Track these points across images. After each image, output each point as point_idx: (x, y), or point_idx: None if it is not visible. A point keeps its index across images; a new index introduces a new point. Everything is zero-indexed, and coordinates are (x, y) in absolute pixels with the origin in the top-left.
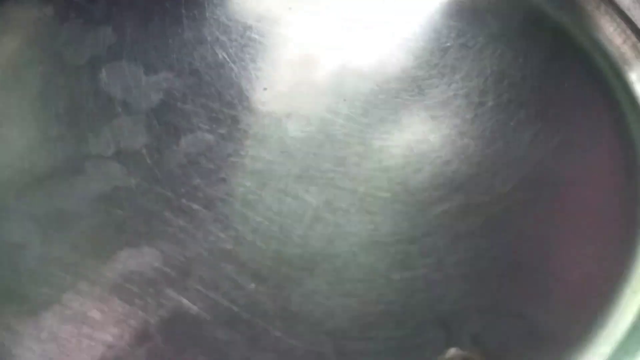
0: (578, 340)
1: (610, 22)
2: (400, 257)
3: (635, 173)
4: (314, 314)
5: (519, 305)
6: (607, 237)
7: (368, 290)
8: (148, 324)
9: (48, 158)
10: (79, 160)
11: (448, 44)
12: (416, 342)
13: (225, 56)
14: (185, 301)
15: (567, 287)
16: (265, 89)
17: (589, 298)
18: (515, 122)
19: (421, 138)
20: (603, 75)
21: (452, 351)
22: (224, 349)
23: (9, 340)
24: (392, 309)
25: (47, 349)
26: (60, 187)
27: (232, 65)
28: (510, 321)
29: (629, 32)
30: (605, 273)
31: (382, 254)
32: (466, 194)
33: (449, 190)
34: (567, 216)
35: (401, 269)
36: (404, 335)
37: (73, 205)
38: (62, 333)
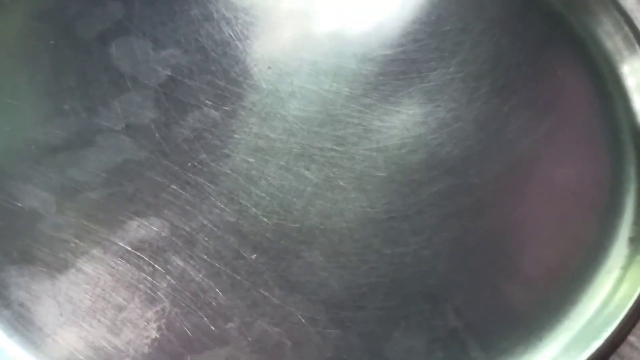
0: (551, 315)
1: (608, 15)
2: (393, 233)
3: (619, 162)
4: (310, 284)
5: (500, 282)
6: (586, 221)
7: (361, 264)
8: (156, 289)
9: (61, 130)
10: (90, 133)
11: (448, 28)
12: (403, 313)
13: (231, 34)
14: (190, 269)
15: (545, 266)
16: (269, 67)
17: (565, 277)
18: (508, 107)
19: (418, 120)
20: (596, 65)
21: None
22: (226, 313)
23: (28, 300)
24: (382, 281)
25: (64, 309)
26: (73, 159)
27: (238, 43)
28: (490, 296)
29: (626, 28)
30: (582, 254)
31: (376, 230)
32: (458, 176)
33: (442, 171)
34: (550, 199)
35: (393, 244)
36: (393, 306)
37: (85, 177)
38: (76, 295)
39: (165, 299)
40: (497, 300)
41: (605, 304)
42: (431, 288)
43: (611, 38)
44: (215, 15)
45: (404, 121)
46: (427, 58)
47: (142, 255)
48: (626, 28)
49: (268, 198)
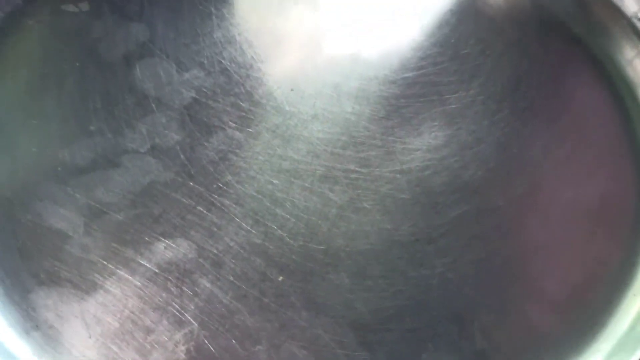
0: (579, 337)
1: (626, 39)
2: (418, 255)
3: None
4: (337, 306)
5: (526, 303)
6: (611, 243)
7: (387, 286)
8: (184, 311)
9: (87, 151)
10: (116, 154)
11: (467, 51)
12: (431, 335)
13: (254, 56)
14: (218, 291)
15: (570, 287)
16: (292, 90)
17: (592, 300)
18: (530, 129)
19: (440, 142)
20: (616, 87)
21: None
22: (254, 335)
23: (56, 322)
24: (409, 303)
25: (92, 330)
26: (99, 180)
27: (260, 65)
28: (517, 318)
29: None
30: (608, 276)
31: (401, 253)
32: (481, 198)
33: (465, 193)
34: (573, 221)
35: (418, 266)
36: (420, 328)
37: (112, 198)
38: (105, 316)
39: (193, 322)
40: (523, 321)
41: (634, 326)
42: (457, 310)
43: (630, 62)
44: (238, 38)
45: (426, 143)
46: (447, 81)
47: (169, 277)
48: None
49: (293, 220)
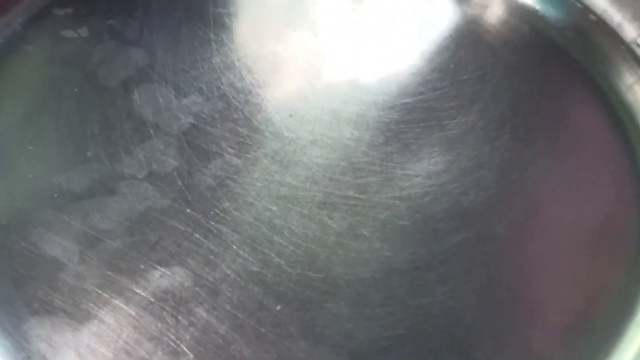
0: None
1: (625, 65)
2: (418, 283)
3: None
4: (336, 336)
5: (529, 332)
6: (614, 268)
7: (387, 315)
8: (180, 341)
9: (84, 177)
10: (113, 180)
11: (466, 77)
12: None
13: (252, 82)
14: (214, 320)
15: (573, 315)
16: (290, 115)
17: (596, 328)
18: (530, 154)
19: (440, 168)
20: (615, 112)
21: None
22: None
23: (49, 353)
24: (409, 333)
25: None
26: (95, 207)
27: (259, 90)
28: (520, 347)
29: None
30: (612, 303)
31: (401, 281)
32: (482, 224)
33: (466, 220)
34: (575, 247)
35: (419, 295)
36: (421, 358)
37: (108, 225)
38: (98, 347)
39: (189, 352)
40: (526, 349)
41: (638, 356)
42: (459, 338)
43: (630, 88)
44: (237, 64)
45: (426, 169)
46: (447, 106)
47: (164, 307)
48: None
49: (291, 247)
